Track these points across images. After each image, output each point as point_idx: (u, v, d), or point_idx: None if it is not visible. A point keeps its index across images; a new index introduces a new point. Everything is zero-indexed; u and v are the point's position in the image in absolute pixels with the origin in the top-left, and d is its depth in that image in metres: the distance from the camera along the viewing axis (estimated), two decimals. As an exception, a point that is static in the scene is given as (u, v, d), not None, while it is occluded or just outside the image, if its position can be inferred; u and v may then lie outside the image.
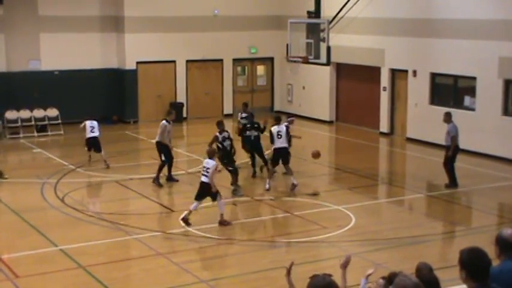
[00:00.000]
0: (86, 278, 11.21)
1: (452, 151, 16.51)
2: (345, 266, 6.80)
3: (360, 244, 12.96)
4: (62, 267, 11.70)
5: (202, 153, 20.94)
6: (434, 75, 22.51)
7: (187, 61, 27.87)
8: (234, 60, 28.87)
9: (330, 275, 5.46)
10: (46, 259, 12.13)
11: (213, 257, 12.51)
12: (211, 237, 13.23)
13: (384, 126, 24.56)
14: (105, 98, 26.96)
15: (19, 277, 11.20)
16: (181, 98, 27.87)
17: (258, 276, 11.40)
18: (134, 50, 26.69)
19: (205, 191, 13.82)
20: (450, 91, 22.23)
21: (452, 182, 16.68)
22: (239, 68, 29.34)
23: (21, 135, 24.03)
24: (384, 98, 24.52)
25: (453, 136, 16.48)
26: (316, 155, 16.81)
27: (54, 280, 11.20)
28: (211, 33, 27.87)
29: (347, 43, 25.13)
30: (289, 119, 18.42)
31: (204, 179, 13.80)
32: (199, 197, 13.89)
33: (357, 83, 26.19)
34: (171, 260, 12.04)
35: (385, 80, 24.40)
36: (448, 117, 16.76)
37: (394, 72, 24.18)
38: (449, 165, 16.65)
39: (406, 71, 23.45)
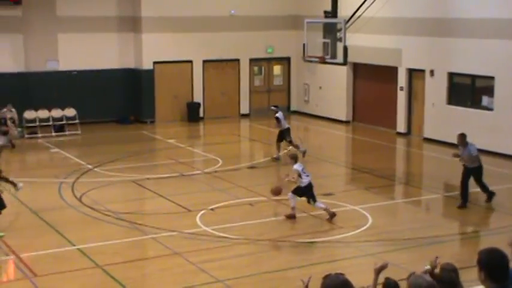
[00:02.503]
0: (103, 277, 11.26)
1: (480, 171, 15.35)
2: (379, 271, 6.48)
3: (377, 244, 12.91)
4: (80, 266, 11.77)
5: (219, 152, 21.09)
6: (451, 75, 22.38)
7: (204, 61, 27.92)
8: (251, 60, 28.88)
9: (342, 274, 5.45)
10: (64, 258, 12.20)
11: (229, 256, 12.51)
12: (227, 237, 13.24)
13: (401, 126, 24.45)
14: (122, 98, 27.08)
15: (37, 276, 11.27)
16: (197, 98, 27.92)
17: (275, 276, 11.39)
18: (151, 50, 26.78)
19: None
20: (468, 91, 22.09)
21: (488, 194, 15.69)
22: (256, 68, 29.34)
23: (39, 134, 24.20)
24: (401, 97, 24.41)
25: (476, 155, 15.15)
26: (277, 192, 14.85)
27: (72, 279, 11.27)
28: (227, 33, 27.91)
29: (364, 43, 25.05)
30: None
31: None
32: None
33: (373, 82, 26.10)
34: (187, 259, 12.06)
35: (402, 79, 24.30)
36: (462, 139, 15.14)
37: (411, 72, 24.07)
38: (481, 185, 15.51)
39: (423, 71, 23.34)
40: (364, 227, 13.84)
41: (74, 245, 12.75)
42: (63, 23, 25.75)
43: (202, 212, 14.80)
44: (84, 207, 15.35)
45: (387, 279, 6.33)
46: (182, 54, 27.40)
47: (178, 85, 27.62)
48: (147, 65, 26.88)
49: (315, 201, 14.29)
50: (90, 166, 19.39)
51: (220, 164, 19.65)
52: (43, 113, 25.11)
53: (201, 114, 27.95)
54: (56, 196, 16.34)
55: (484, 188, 15.54)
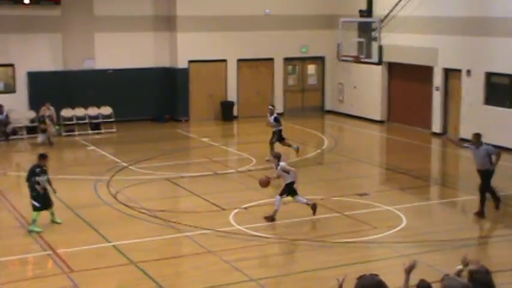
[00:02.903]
0: (137, 274, 11.37)
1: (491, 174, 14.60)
2: (409, 270, 6.42)
3: (411, 245, 12.83)
4: (115, 262, 11.91)
5: (252, 151, 21.13)
6: (489, 75, 22.10)
7: (239, 60, 28.00)
8: (285, 59, 28.87)
9: (376, 275, 5.44)
10: (99, 254, 12.36)
11: (263, 255, 12.54)
12: (262, 236, 13.28)
13: (437, 127, 24.23)
14: (157, 96, 27.30)
15: (74, 271, 11.44)
16: (232, 96, 28.01)
17: (308, 276, 11.39)
18: (186, 49, 26.95)
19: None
20: (506, 91, 21.77)
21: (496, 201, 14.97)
22: (290, 67, 29.32)
23: (76, 132, 24.52)
24: (437, 97, 24.19)
25: (498, 152, 14.52)
26: (264, 183, 14.70)
27: (107, 275, 11.41)
28: (262, 32, 27.94)
29: (399, 42, 24.87)
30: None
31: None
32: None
33: (409, 82, 25.89)
34: (221, 257, 12.12)
35: (438, 79, 24.07)
36: (477, 139, 14.64)
37: (447, 71, 23.83)
38: (488, 189, 14.77)
39: (459, 71, 23.08)
40: (399, 228, 13.75)
41: (110, 242, 12.90)
42: (100, 22, 26.06)
43: (235, 210, 14.86)
44: (119, 204, 15.52)
45: (421, 281, 6.31)
46: (217, 53, 27.51)
47: (213, 84, 27.74)
48: (182, 63, 27.05)
49: (296, 194, 14.35)
50: (125, 164, 19.59)
51: (253, 163, 19.69)
52: (80, 111, 25.44)
53: (235, 113, 28.03)
54: (92, 193, 16.55)
55: (492, 193, 14.77)
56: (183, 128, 26.10)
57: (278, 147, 19.67)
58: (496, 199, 14.82)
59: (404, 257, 11.92)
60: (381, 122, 26.82)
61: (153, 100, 27.22)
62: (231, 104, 27.74)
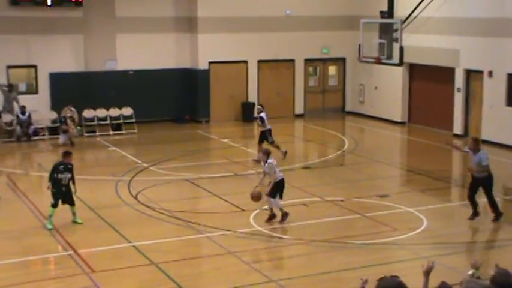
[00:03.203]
0: (158, 275, 11.42)
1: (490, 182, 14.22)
2: (428, 272, 6.39)
3: (432, 247, 12.75)
4: (135, 263, 11.96)
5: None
6: (511, 76, 21.89)
7: (259, 61, 28.01)
8: (306, 60, 28.83)
9: (397, 276, 5.42)
10: (120, 255, 12.43)
11: (283, 256, 12.53)
12: (281, 237, 13.27)
13: (458, 128, 24.05)
14: (178, 97, 27.39)
15: (95, 271, 11.51)
16: (252, 98, 28.03)
17: (329, 277, 11.36)
18: (207, 50, 27.02)
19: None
20: (528, 92, 21.58)
21: (496, 214, 14.39)
22: (310, 68, 29.28)
23: (97, 133, 24.68)
24: (458, 99, 24.01)
25: (486, 165, 14.09)
26: (257, 197, 14.39)
27: (128, 275, 11.46)
28: (283, 34, 27.93)
29: (420, 43, 24.73)
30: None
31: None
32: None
33: (430, 83, 25.74)
34: (241, 259, 12.13)
35: (459, 80, 23.89)
36: (475, 145, 14.21)
37: (469, 72, 23.65)
38: (489, 199, 14.32)
39: (481, 72, 22.90)
40: (419, 230, 13.68)
41: (130, 242, 12.97)
42: (122, 24, 26.21)
43: (256, 211, 14.86)
44: (139, 205, 15.59)
45: (442, 283, 6.26)
46: (237, 54, 27.55)
47: (234, 85, 27.78)
48: (202, 65, 27.12)
49: (280, 198, 14.20)
50: (146, 165, 19.67)
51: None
52: (101, 112, 25.59)
53: (256, 115, 28.01)
54: (113, 194, 16.65)
55: (492, 203, 14.26)
56: (204, 129, 26.16)
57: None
58: (497, 212, 14.22)
59: (424, 259, 11.84)
60: (401, 123, 26.68)
61: (174, 101, 27.32)
62: (252, 105, 27.76)
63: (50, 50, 25.17)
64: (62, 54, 25.38)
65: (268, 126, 20.09)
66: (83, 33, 25.56)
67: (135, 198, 16.18)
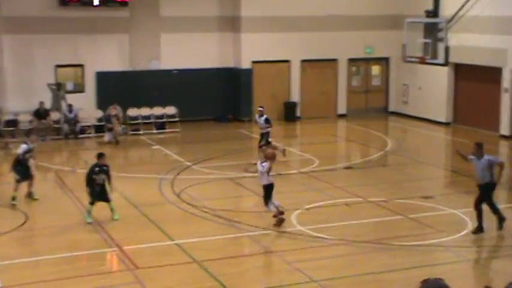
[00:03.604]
0: (200, 273, 11.51)
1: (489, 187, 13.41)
2: None
3: (477, 250, 12.57)
4: (178, 260, 12.08)
5: (315, 152, 21.10)
6: (560, 76, 21.48)
7: (302, 61, 27.97)
8: (349, 60, 28.69)
9: (441, 279, 5.37)
10: (163, 252, 12.57)
11: (325, 257, 12.50)
12: (323, 237, 13.24)
13: (505, 129, 23.66)
14: (221, 96, 27.53)
15: (138, 268, 11.66)
16: (295, 97, 28.01)
17: (371, 279, 11.29)
18: (250, 49, 27.10)
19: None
20: None
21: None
22: (354, 68, 29.12)
23: (141, 131, 24.97)
24: (505, 99, 23.61)
25: (500, 162, 13.45)
26: (271, 156, 14.17)
27: (171, 273, 11.58)
28: (326, 33, 27.84)
29: (466, 43, 24.39)
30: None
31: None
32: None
33: (476, 83, 25.36)
34: (283, 258, 12.15)
35: (507, 80, 23.49)
36: (478, 150, 13.41)
37: (516, 72, 23.25)
38: (490, 205, 13.61)
39: (529, 72, 22.49)
40: (464, 232, 13.49)
41: (173, 240, 13.09)
42: (166, 23, 26.47)
43: (297, 211, 14.86)
44: (182, 203, 15.73)
45: (486, 287, 6.20)
46: (280, 53, 27.56)
47: (276, 84, 27.81)
48: (245, 64, 27.21)
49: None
50: (188, 163, 19.83)
51: (316, 164, 19.65)
52: (145, 111, 25.89)
53: (298, 114, 28.02)
54: (156, 192, 16.83)
55: (494, 209, 13.55)
56: (246, 128, 26.23)
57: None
58: (500, 218, 13.62)
59: (469, 262, 11.70)
60: (446, 123, 26.35)
61: (217, 100, 27.48)
62: (294, 104, 27.74)
63: (96, 50, 25.58)
64: (108, 53, 25.77)
65: (269, 129, 20.07)
66: (128, 33, 25.90)
67: (178, 196, 16.33)
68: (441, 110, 26.58)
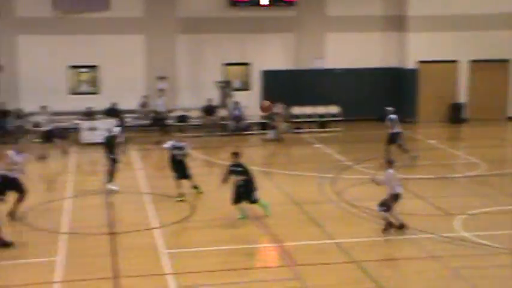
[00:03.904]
0: (357, 273, 11.49)
1: None
2: None
3: None
4: (336, 259, 12.13)
5: (481, 156, 20.28)
6: None
7: (471, 61, 26.97)
8: (523, 60, 27.32)
9: None
10: (322, 250, 12.67)
11: (490, 265, 12.00)
12: (489, 245, 12.72)
13: None
14: (384, 96, 27.21)
15: (297, 265, 11.86)
16: (462, 98, 27.09)
17: (538, 292, 10.73)
18: (416, 49, 26.57)
19: None
20: None
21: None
22: (527, 69, 27.65)
23: (304, 130, 25.28)
24: None
25: None
26: (266, 108, 13.63)
27: (329, 271, 11.66)
28: (497, 32, 26.65)
29: None
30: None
31: None
32: None
33: None
34: (445, 264, 11.83)
35: None
36: None
37: None
38: None
39: None
40: None
41: (332, 239, 13.17)
42: (331, 23, 26.61)
43: (461, 216, 14.40)
44: (342, 202, 15.77)
45: None
46: (448, 53, 26.79)
47: (442, 85, 27.05)
48: (411, 64, 26.71)
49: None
50: (349, 163, 19.81)
51: (482, 168, 18.90)
52: (308, 109, 26.19)
53: (465, 116, 27.06)
54: (316, 190, 16.99)
55: None
56: (409, 129, 25.72)
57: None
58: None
59: None
60: None
61: (380, 100, 27.15)
62: (461, 106, 26.82)
63: (262, 48, 26.28)
64: (274, 52, 26.37)
65: (398, 130, 19.75)
66: (294, 32, 26.33)
67: (338, 195, 16.38)
68: None
